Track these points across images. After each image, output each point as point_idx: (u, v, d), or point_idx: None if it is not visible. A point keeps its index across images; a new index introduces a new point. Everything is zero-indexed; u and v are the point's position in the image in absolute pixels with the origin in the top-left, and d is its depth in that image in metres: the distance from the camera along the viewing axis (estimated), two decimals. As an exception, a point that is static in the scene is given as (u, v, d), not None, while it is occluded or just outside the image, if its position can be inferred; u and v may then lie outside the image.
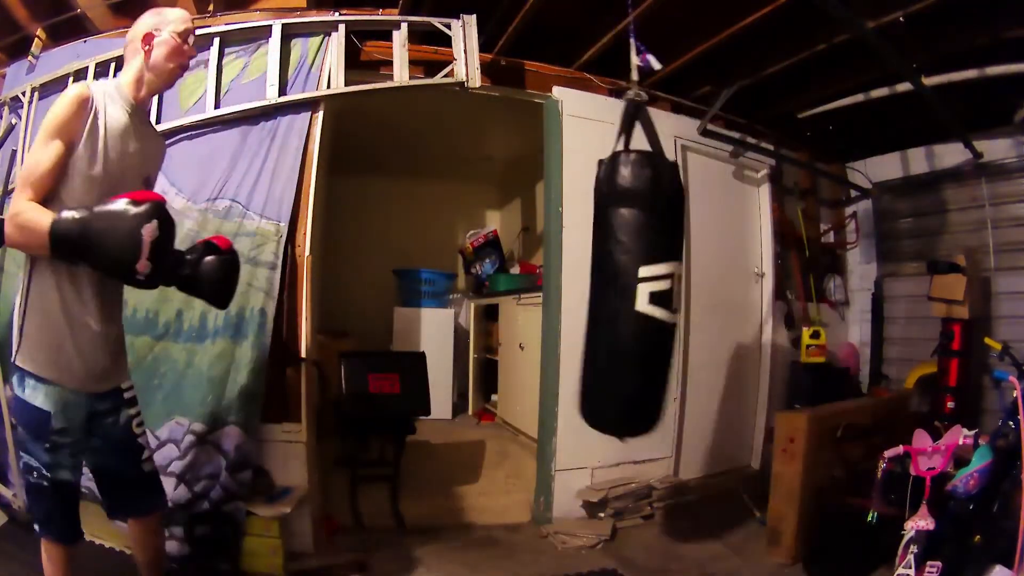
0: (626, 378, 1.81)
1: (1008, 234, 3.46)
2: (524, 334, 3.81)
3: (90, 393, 1.45)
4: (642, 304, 1.73)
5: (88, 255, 1.27)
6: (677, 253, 1.87)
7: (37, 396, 1.38)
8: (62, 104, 1.33)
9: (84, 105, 1.34)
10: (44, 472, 1.39)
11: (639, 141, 1.91)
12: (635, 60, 2.02)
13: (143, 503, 1.61)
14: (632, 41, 2.03)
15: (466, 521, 2.76)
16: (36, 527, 1.45)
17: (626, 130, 1.92)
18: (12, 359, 1.39)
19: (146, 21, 1.50)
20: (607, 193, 1.85)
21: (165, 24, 1.49)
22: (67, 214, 1.25)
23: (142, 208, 1.23)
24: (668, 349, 1.86)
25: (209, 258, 1.55)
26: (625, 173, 1.80)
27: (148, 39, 1.47)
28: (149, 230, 1.21)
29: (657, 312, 1.74)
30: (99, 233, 1.23)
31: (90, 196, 1.35)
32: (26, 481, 1.43)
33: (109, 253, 1.24)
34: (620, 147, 1.91)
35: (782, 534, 2.37)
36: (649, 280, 1.74)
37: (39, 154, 1.31)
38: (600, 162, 1.91)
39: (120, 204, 1.25)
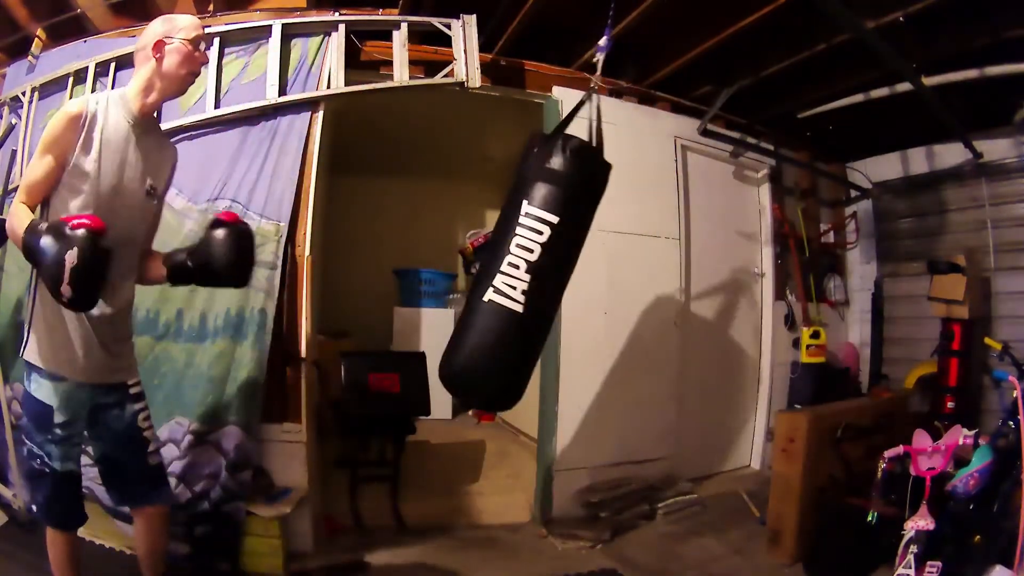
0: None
1: (1008, 234, 3.46)
2: (524, 334, 3.80)
3: (94, 385, 1.51)
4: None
5: (36, 268, 1.35)
6: None
7: (41, 391, 1.45)
8: (56, 120, 1.41)
9: (76, 121, 1.40)
10: (47, 461, 1.47)
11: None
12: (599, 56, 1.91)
13: (148, 495, 1.65)
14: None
15: (466, 521, 2.76)
16: (36, 512, 1.55)
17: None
18: (20, 354, 1.48)
19: (156, 29, 1.50)
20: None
21: (176, 31, 1.49)
22: (32, 225, 1.31)
23: (73, 234, 1.25)
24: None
25: (217, 232, 1.56)
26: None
27: (159, 47, 1.47)
28: (71, 257, 1.24)
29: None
30: (39, 251, 1.27)
31: (86, 207, 1.41)
32: (28, 467, 1.53)
33: (42, 271, 1.29)
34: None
35: (782, 534, 2.37)
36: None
37: (34, 165, 1.41)
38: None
39: (56, 227, 1.27)
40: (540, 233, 1.60)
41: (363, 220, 5.13)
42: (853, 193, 4.16)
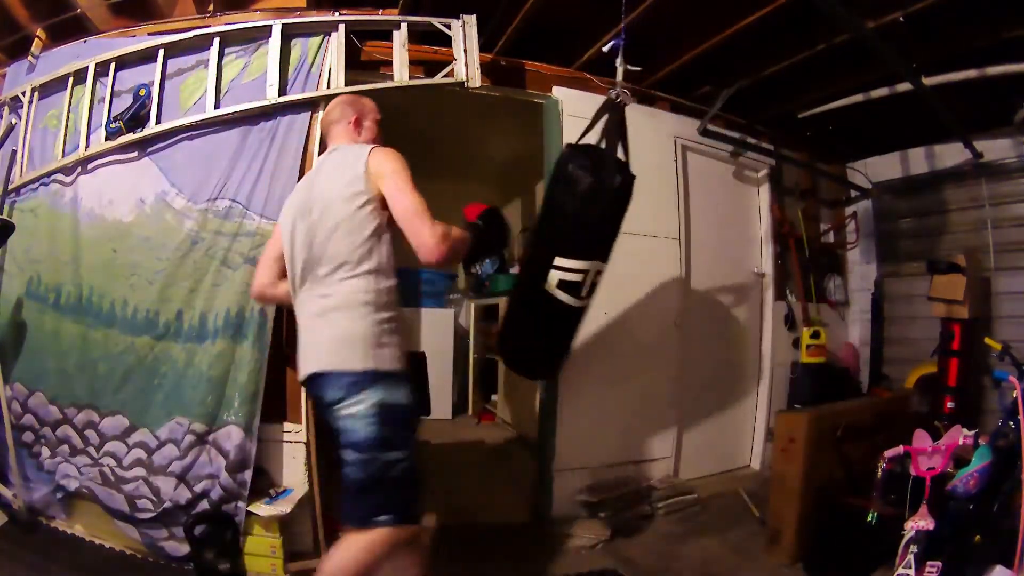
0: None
1: (1008, 234, 3.46)
2: (524, 334, 3.80)
3: None
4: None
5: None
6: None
7: (403, 393, 1.54)
8: (400, 158, 1.66)
9: None
10: (413, 457, 1.52)
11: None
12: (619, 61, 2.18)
13: None
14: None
15: (466, 521, 2.76)
16: (393, 519, 1.44)
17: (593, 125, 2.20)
18: (369, 369, 1.50)
19: (350, 109, 1.83)
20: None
21: (367, 113, 1.86)
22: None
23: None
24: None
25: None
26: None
27: (358, 124, 1.82)
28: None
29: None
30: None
31: None
32: (391, 480, 1.47)
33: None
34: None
35: (782, 534, 2.37)
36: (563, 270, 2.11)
37: (416, 195, 1.63)
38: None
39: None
40: None
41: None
42: (853, 193, 4.16)
